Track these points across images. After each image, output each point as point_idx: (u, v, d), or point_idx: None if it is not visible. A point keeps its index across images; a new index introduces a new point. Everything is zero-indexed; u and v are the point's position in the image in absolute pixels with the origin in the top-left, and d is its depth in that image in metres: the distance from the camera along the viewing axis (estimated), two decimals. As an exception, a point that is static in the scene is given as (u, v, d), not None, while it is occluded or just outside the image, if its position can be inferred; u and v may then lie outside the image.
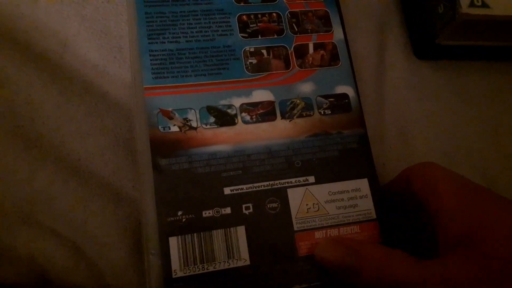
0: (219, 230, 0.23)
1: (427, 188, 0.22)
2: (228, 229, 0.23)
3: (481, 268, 0.19)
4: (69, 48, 0.27)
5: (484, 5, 0.28)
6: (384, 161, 0.28)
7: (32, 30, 0.26)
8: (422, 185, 0.22)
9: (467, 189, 0.21)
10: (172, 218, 0.23)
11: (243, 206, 0.24)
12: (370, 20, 0.31)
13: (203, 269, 0.22)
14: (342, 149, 0.25)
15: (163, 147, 0.24)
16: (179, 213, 0.23)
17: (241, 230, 0.23)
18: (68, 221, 0.23)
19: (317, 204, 0.24)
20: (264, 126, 0.25)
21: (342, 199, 0.24)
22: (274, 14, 0.27)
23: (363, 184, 0.25)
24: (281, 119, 0.26)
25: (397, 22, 0.32)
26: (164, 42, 0.26)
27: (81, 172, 0.25)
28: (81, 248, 0.23)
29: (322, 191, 0.24)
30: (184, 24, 0.26)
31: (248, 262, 0.23)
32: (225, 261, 0.23)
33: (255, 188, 0.24)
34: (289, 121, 0.26)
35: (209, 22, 0.27)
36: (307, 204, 0.24)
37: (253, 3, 0.28)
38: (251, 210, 0.24)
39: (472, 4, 0.28)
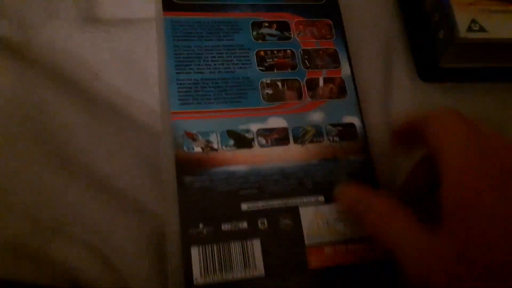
0: (236, 242, 0.25)
1: (436, 142, 0.21)
2: (245, 241, 0.25)
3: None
4: (101, 77, 0.29)
5: (482, 30, 0.30)
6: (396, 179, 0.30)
7: (67, 62, 0.28)
8: (432, 136, 0.21)
9: (476, 153, 0.20)
10: (194, 230, 0.25)
11: (259, 221, 0.26)
12: (376, 47, 0.34)
13: (221, 277, 0.24)
14: (349, 173, 0.28)
15: (187, 166, 0.26)
16: (200, 225, 0.25)
17: (256, 243, 0.25)
18: (97, 233, 0.25)
19: (327, 221, 0.26)
20: (278, 149, 0.28)
21: (349, 218, 0.26)
22: (289, 51, 0.31)
23: (368, 205, 0.27)
24: (294, 143, 0.28)
25: (402, 47, 0.35)
26: (190, 73, 0.29)
27: (110, 189, 0.27)
28: (108, 257, 0.25)
29: (331, 210, 0.27)
30: (208, 57, 0.30)
31: (263, 273, 0.25)
32: (241, 271, 0.24)
33: (270, 205, 0.26)
34: (301, 146, 0.28)
35: (231, 56, 0.30)
36: (317, 222, 0.26)
37: (270, 40, 0.31)
38: (266, 225, 0.26)
39: (469, 29, 0.30)
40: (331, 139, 0.29)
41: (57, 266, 0.24)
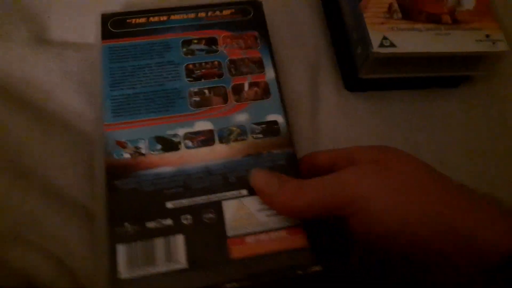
0: (160, 238, 0.26)
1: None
2: (168, 237, 0.26)
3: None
4: (52, 97, 0.31)
5: (392, 45, 0.33)
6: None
7: (21, 82, 0.31)
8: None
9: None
10: (120, 229, 0.26)
11: (182, 217, 0.27)
12: (305, 60, 0.37)
13: (145, 272, 0.25)
14: (272, 166, 0.29)
15: (117, 171, 0.28)
16: (126, 224, 0.27)
17: (179, 238, 0.26)
18: (52, 238, 0.27)
19: (249, 213, 0.27)
20: (204, 150, 0.30)
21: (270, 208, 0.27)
22: (216, 62, 0.33)
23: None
24: (219, 143, 0.30)
25: (330, 61, 0.37)
26: (123, 89, 0.31)
27: (63, 197, 0.29)
28: (64, 260, 0.26)
29: (254, 202, 0.28)
30: (140, 74, 0.32)
31: (185, 265, 0.26)
32: (165, 265, 0.25)
33: (194, 202, 0.28)
34: (226, 145, 0.30)
35: (161, 71, 0.32)
36: (240, 214, 0.27)
37: (199, 55, 0.33)
38: (190, 221, 0.27)
39: (381, 45, 0.33)
40: (254, 136, 0.30)
41: (16, 272, 0.25)
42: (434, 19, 0.34)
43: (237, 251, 0.26)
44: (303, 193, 0.24)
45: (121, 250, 0.26)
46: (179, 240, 0.26)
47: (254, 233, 0.27)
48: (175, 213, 0.27)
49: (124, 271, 0.25)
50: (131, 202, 0.27)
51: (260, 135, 0.30)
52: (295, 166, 0.29)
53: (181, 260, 0.26)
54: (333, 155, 0.28)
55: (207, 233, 0.27)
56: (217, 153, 0.29)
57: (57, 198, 0.28)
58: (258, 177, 0.27)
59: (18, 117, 0.27)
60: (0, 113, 0.27)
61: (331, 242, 0.27)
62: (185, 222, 0.27)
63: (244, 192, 0.28)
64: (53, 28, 0.32)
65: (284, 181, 0.26)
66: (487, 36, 0.34)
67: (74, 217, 0.28)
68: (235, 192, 0.28)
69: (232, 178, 0.29)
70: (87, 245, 0.27)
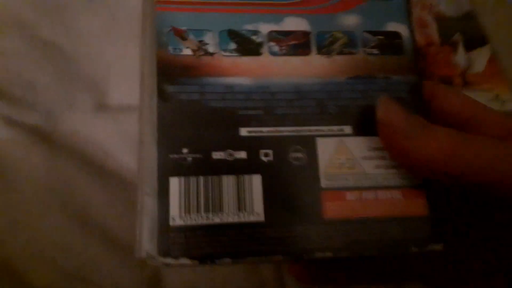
0: (230, 176, 0.19)
1: None
2: (241, 176, 0.19)
3: None
4: (111, 155, 0.31)
5: None
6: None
7: (85, 143, 0.31)
8: None
9: None
10: (175, 155, 0.19)
11: (261, 152, 0.19)
12: None
13: (207, 219, 0.18)
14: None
15: (172, 72, 0.20)
16: (184, 150, 0.19)
17: (256, 180, 0.19)
18: (110, 280, 0.28)
19: (352, 159, 0.20)
20: (295, 60, 0.21)
21: (384, 158, 0.20)
22: None
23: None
24: (317, 54, 0.21)
25: None
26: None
27: (119, 242, 0.29)
28: None
29: (360, 145, 0.20)
30: None
31: (262, 218, 0.19)
32: (234, 214, 0.18)
33: (278, 132, 0.20)
34: (327, 57, 0.21)
35: None
36: (339, 159, 0.20)
37: None
38: (270, 157, 0.19)
39: None
40: (367, 51, 0.21)
41: None
42: (446, 81, 0.36)
43: (333, 210, 0.19)
44: (466, 150, 0.17)
45: (176, 185, 0.18)
46: (256, 182, 0.19)
47: (357, 188, 0.19)
48: (252, 145, 0.19)
49: (177, 216, 0.18)
50: (192, 119, 0.19)
51: (375, 50, 0.21)
52: (420, 102, 0.21)
53: (256, 209, 0.19)
54: (472, 107, 0.20)
55: (294, 178, 0.19)
56: (313, 68, 0.21)
57: (114, 243, 0.29)
58: (394, 109, 0.19)
59: (82, 174, 0.29)
60: (67, 170, 0.29)
61: (452, 215, 0.20)
62: (264, 159, 0.19)
63: (348, 129, 0.20)
64: (111, 93, 0.33)
65: (428, 125, 0.18)
66: (497, 96, 0.35)
67: (127, 260, 0.28)
68: (334, 128, 0.20)
69: (331, 107, 0.20)
70: (139, 285, 0.28)
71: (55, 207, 0.28)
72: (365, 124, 0.20)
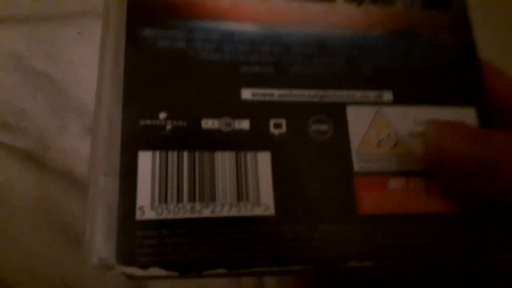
0: (227, 152, 0.13)
1: None
2: (242, 153, 0.13)
3: None
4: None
5: None
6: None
7: (75, 165, 0.30)
8: None
9: None
10: (148, 121, 0.13)
11: (272, 121, 0.14)
12: None
13: (192, 211, 0.12)
14: (437, 60, 0.16)
15: (149, 11, 0.14)
16: (162, 115, 0.13)
17: (264, 158, 0.13)
18: None
19: (395, 135, 0.14)
20: (317, 7, 0.16)
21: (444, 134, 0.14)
22: None
23: (468, 115, 0.15)
24: (345, 1, 0.16)
25: None
26: None
27: None
28: None
29: (405, 116, 0.15)
30: None
31: (271, 212, 0.13)
32: (232, 205, 0.13)
33: (294, 97, 0.14)
34: (358, 6, 0.16)
35: None
36: (378, 134, 0.14)
37: None
38: (283, 129, 0.14)
39: None
40: (408, 2, 0.16)
41: None
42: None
43: (370, 202, 0.13)
44: None
45: (147, 163, 0.13)
46: (263, 162, 0.13)
47: (403, 174, 0.14)
48: (258, 112, 0.14)
49: (147, 206, 0.12)
50: (174, 74, 0.14)
51: (419, 2, 0.17)
52: (476, 68, 0.16)
53: (264, 199, 0.13)
54: None
55: (315, 159, 0.14)
56: (339, 18, 0.16)
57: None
58: (449, 131, 0.14)
59: (70, 192, 0.30)
60: (57, 190, 0.30)
61: None
62: (274, 131, 0.14)
63: (388, 96, 0.15)
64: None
65: (505, 135, 0.13)
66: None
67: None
68: (371, 94, 0.15)
69: (366, 67, 0.15)
70: None
71: (44, 225, 0.29)
72: (409, 90, 0.15)
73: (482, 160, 0.13)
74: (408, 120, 0.15)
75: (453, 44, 0.16)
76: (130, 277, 0.12)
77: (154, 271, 0.12)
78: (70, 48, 0.34)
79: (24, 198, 0.30)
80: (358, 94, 0.15)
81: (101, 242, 0.12)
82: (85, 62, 0.34)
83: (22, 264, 0.29)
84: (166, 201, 0.12)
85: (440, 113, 0.15)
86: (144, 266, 0.12)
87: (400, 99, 0.15)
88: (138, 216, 0.12)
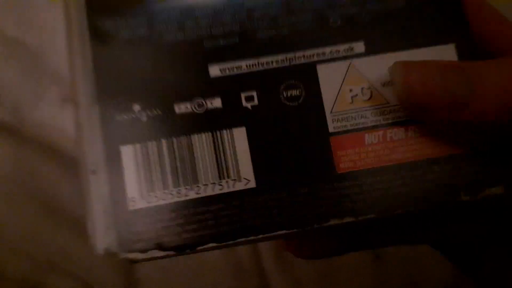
0: (203, 134, 0.14)
1: None
2: (218, 132, 0.14)
3: None
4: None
5: None
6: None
7: (52, 135, 0.31)
8: None
9: None
10: (124, 116, 0.14)
11: (243, 95, 0.14)
12: None
13: (178, 195, 0.14)
14: (412, 4, 0.15)
15: (107, 1, 0.14)
16: (136, 107, 0.14)
17: (239, 134, 0.14)
18: (82, 266, 0.28)
19: (369, 88, 0.14)
20: (277, -40, 0.15)
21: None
22: None
23: (447, 53, 0.14)
24: None
25: None
26: None
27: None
28: (92, 285, 0.28)
29: (378, 66, 0.14)
30: None
31: (253, 184, 0.14)
32: (214, 183, 0.14)
33: (262, 65, 0.14)
34: (321, -50, 0.15)
35: None
36: (351, 90, 0.14)
37: None
38: (255, 102, 0.14)
39: None
40: None
41: None
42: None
43: (348, 160, 0.14)
44: None
45: (130, 156, 0.14)
46: (239, 138, 0.14)
47: (380, 127, 0.14)
48: (228, 88, 0.14)
49: (137, 196, 0.13)
50: (141, 63, 0.14)
51: None
52: (457, 3, 0.15)
53: (244, 173, 0.14)
54: None
55: (291, 126, 0.14)
56: (302, -33, 0.15)
57: (84, 230, 0.28)
58: (415, 70, 0.13)
59: (49, 164, 0.30)
60: (35, 161, 0.30)
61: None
62: (247, 104, 0.14)
63: (359, 47, 0.14)
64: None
65: (477, 67, 0.13)
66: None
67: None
68: (341, 48, 0.14)
69: (334, 19, 0.15)
70: (111, 270, 0.28)
71: (23, 199, 0.29)
72: (382, 37, 0.14)
73: (453, 93, 0.13)
74: (383, 70, 0.14)
75: (430, -26, 0.15)
76: (133, 261, 0.13)
77: (153, 253, 0.13)
78: (43, 12, 0.32)
79: (0, 170, 0.29)
80: (327, 50, 0.14)
81: (102, 235, 0.13)
82: (59, 27, 0.31)
83: (2, 241, 0.28)
84: (153, 189, 0.13)
85: (416, 55, 0.14)
86: (143, 251, 0.13)
87: (372, 48, 0.14)
88: (131, 206, 0.13)
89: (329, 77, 0.14)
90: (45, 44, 0.32)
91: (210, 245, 0.13)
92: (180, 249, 0.13)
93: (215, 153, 0.14)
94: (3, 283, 0.28)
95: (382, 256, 0.31)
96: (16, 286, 0.28)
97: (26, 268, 0.28)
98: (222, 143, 0.14)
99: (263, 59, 0.14)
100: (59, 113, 0.31)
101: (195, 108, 0.14)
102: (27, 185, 0.29)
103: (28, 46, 0.32)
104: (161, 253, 0.13)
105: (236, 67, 0.14)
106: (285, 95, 0.14)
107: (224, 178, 0.14)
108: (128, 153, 0.14)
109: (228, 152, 0.14)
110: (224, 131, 0.14)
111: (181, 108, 0.14)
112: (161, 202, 0.13)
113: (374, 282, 0.30)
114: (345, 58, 0.14)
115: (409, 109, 0.14)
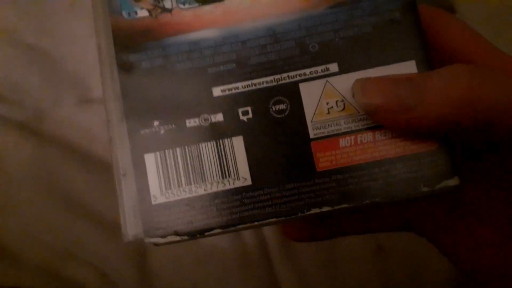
0: (208, 143, 0.17)
1: None
2: (221, 140, 0.17)
3: None
4: (95, 142, 0.34)
5: None
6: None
7: (70, 134, 0.33)
8: None
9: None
10: (147, 130, 0.17)
11: (240, 110, 0.18)
12: None
13: (190, 192, 0.17)
14: (378, 22, 0.18)
15: (130, 39, 0.18)
16: (156, 123, 0.17)
17: (238, 142, 0.17)
18: (97, 255, 0.31)
19: (342, 101, 0.17)
20: (265, -1, 0.18)
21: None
22: None
23: (408, 69, 0.17)
24: (289, -14, 0.18)
25: None
26: None
27: (104, 221, 0.31)
28: (107, 274, 0.31)
29: (350, 82, 0.17)
30: None
31: (249, 182, 0.17)
32: (218, 182, 0.17)
33: (255, 85, 0.18)
34: (300, -12, 0.18)
35: None
36: (327, 103, 0.17)
37: None
38: (250, 115, 0.17)
39: None
40: (347, -28, 0.18)
41: (70, 284, 0.30)
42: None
43: (326, 160, 0.17)
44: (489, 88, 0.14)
45: (152, 162, 0.17)
46: (237, 145, 0.17)
47: (352, 132, 0.17)
48: (228, 105, 0.18)
49: (158, 193, 0.17)
50: (159, 88, 0.18)
51: (356, -31, 0.18)
52: (415, 22, 0.18)
53: (242, 173, 0.17)
54: (479, 43, 0.17)
55: (279, 134, 0.17)
56: (286, 3, 0.18)
57: (99, 222, 0.31)
58: (371, 86, 0.16)
59: (67, 161, 0.32)
60: (54, 158, 0.32)
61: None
62: (243, 118, 0.18)
63: (334, 67, 0.18)
64: (95, 88, 0.34)
65: (423, 77, 0.15)
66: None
67: (113, 236, 0.31)
68: (318, 69, 0.18)
69: (312, 45, 0.18)
70: (125, 259, 0.31)
71: (42, 192, 0.31)
72: (353, 58, 0.18)
73: (403, 100, 0.15)
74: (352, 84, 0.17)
75: (392, 2, 0.18)
76: (156, 244, 0.17)
77: (171, 238, 0.17)
78: (61, 21, 0.34)
79: (22, 167, 0.31)
80: (308, 71, 0.18)
81: (132, 225, 0.17)
82: (77, 34, 0.34)
83: (23, 232, 0.30)
84: (170, 188, 0.17)
85: (381, 71, 0.17)
86: (163, 236, 0.17)
87: (345, 68, 0.17)
88: (153, 202, 0.17)
89: (310, 93, 0.17)
90: (64, 50, 0.34)
91: (216, 231, 0.17)
92: (192, 235, 0.17)
93: (219, 158, 0.17)
94: (24, 270, 0.30)
95: (385, 247, 0.33)
96: (36, 273, 0.30)
97: (45, 256, 0.30)
98: (224, 149, 0.17)
99: (255, 81, 0.18)
100: (77, 113, 0.33)
101: (202, 122, 0.17)
102: (47, 180, 0.31)
103: (48, 53, 0.33)
104: (177, 238, 0.17)
105: (234, 88, 0.18)
106: (274, 109, 0.17)
107: (226, 178, 0.17)
108: (150, 160, 0.17)
109: (229, 156, 0.17)
110: (226, 140, 0.17)
111: (191, 122, 0.17)
112: (177, 198, 0.17)
113: (378, 273, 0.32)
114: (322, 77, 0.18)
115: (371, 116, 0.17)
